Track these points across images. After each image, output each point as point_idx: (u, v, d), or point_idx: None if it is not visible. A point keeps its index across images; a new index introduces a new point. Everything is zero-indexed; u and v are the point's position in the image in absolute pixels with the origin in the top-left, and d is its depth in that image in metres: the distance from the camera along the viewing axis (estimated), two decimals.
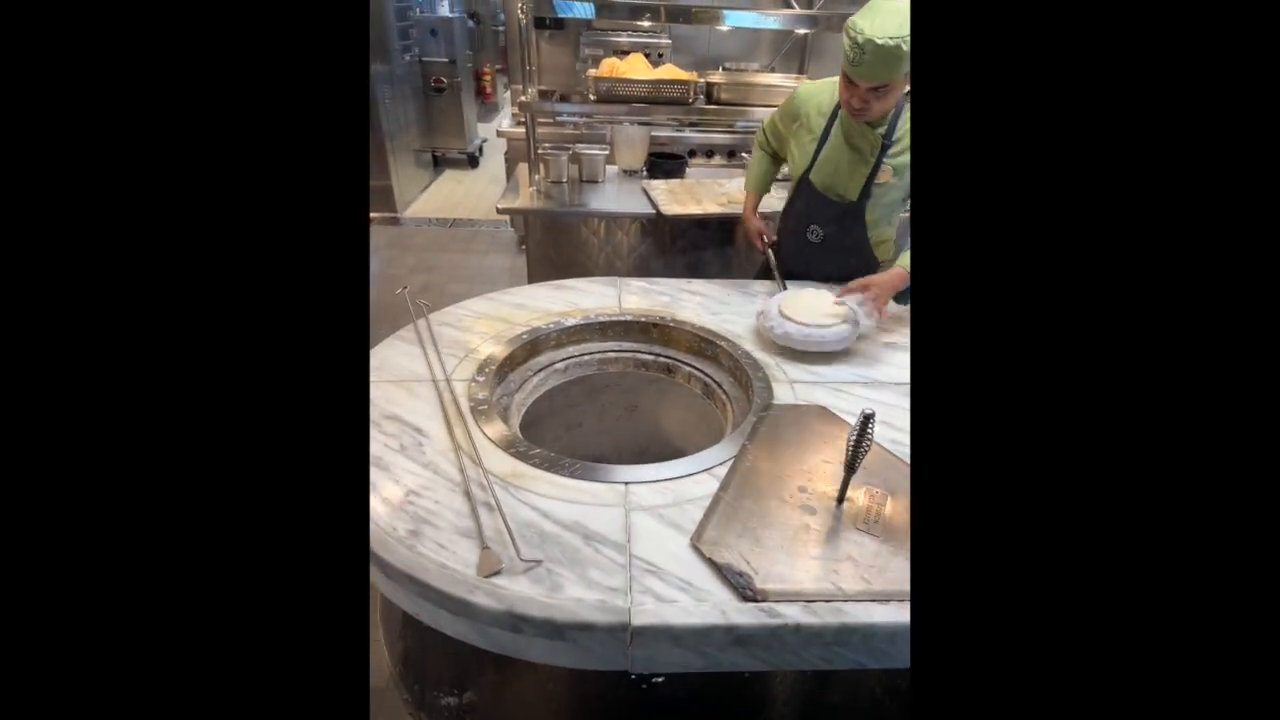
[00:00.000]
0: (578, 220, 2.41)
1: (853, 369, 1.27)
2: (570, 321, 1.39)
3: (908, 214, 1.62)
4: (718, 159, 3.21)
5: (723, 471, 0.97)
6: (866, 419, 0.83)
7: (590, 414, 1.47)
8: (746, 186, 1.77)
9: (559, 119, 3.21)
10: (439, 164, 5.78)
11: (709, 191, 2.41)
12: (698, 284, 1.60)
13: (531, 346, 1.34)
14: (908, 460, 1.00)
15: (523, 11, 2.30)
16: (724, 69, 3.56)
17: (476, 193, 5.35)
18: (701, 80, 2.84)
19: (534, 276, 2.51)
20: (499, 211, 2.37)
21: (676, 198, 2.33)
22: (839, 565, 0.82)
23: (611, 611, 0.74)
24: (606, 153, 2.56)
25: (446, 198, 5.24)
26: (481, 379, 1.17)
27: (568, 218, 2.39)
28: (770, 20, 2.92)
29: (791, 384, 1.21)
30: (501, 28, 6.65)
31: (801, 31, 3.53)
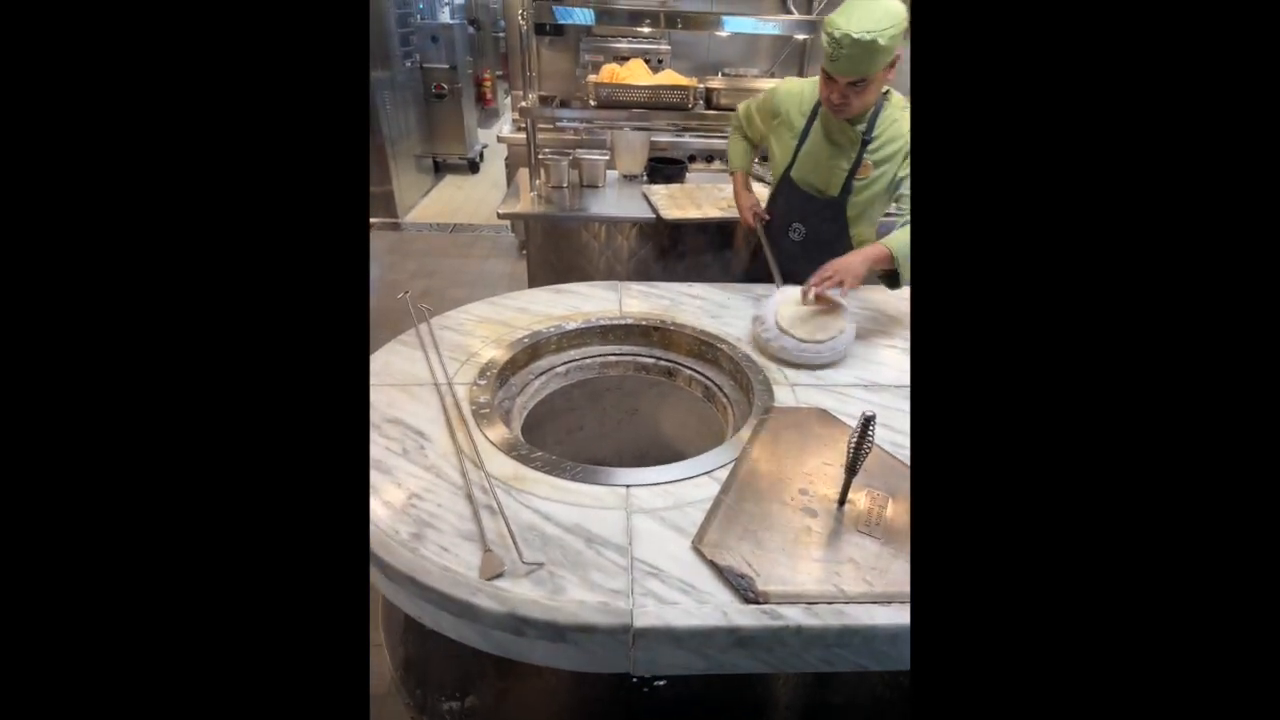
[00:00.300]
0: (578, 225, 2.42)
1: (853, 372, 1.28)
2: (571, 325, 1.40)
3: (889, 215, 1.62)
4: (717, 164, 3.22)
5: (724, 474, 0.98)
6: (867, 421, 0.84)
7: (591, 417, 1.47)
8: (731, 167, 1.77)
9: (559, 124, 3.22)
10: (440, 169, 5.80)
11: (709, 196, 2.42)
12: (698, 287, 1.60)
13: (533, 350, 1.34)
14: (908, 462, 1.00)
15: (523, 18, 2.32)
16: (723, 74, 3.57)
17: (477, 198, 5.37)
18: (701, 85, 2.85)
19: (535, 281, 2.51)
20: (500, 216, 2.38)
21: (676, 202, 2.34)
22: (840, 567, 0.82)
23: (613, 613, 0.74)
24: (607, 158, 2.58)
25: (447, 203, 5.25)
26: (483, 383, 1.18)
27: (568, 222, 2.40)
28: (769, 26, 2.94)
29: (792, 387, 1.21)
30: (502, 34, 6.68)
31: (800, 37, 3.54)
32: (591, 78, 3.01)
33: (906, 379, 1.25)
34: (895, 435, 1.07)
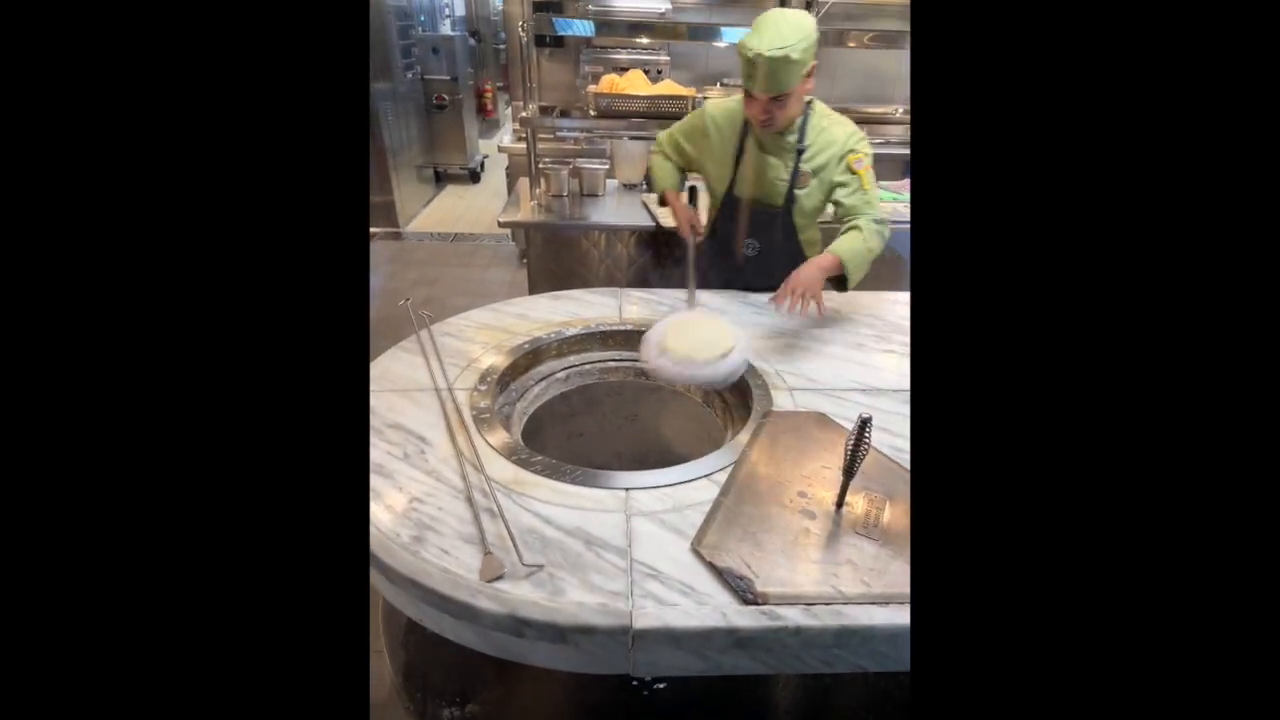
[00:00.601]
0: (578, 233, 2.44)
1: (851, 376, 1.28)
2: (571, 331, 1.41)
3: (827, 222, 1.63)
4: None
5: (722, 477, 0.98)
6: (864, 423, 0.84)
7: (591, 423, 1.48)
8: (661, 186, 1.70)
9: (559, 134, 3.25)
10: (441, 179, 5.84)
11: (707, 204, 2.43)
12: (697, 294, 1.61)
13: (533, 356, 1.35)
14: (906, 466, 1.01)
15: (524, 30, 2.35)
16: (722, 84, 3.61)
17: (478, 207, 5.40)
18: (700, 96, 2.88)
19: (535, 289, 2.53)
20: (500, 225, 2.40)
21: None
22: (839, 569, 0.82)
23: (613, 614, 0.74)
24: (606, 167, 2.60)
25: (448, 212, 5.29)
26: (483, 388, 1.19)
27: (568, 230, 2.41)
28: None
29: (790, 391, 1.22)
30: (502, 46, 6.75)
31: None
32: (591, 88, 3.04)
33: (904, 383, 1.26)
34: (893, 439, 1.08)
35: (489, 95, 6.79)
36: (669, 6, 3.32)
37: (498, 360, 1.28)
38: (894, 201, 2.62)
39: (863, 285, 1.81)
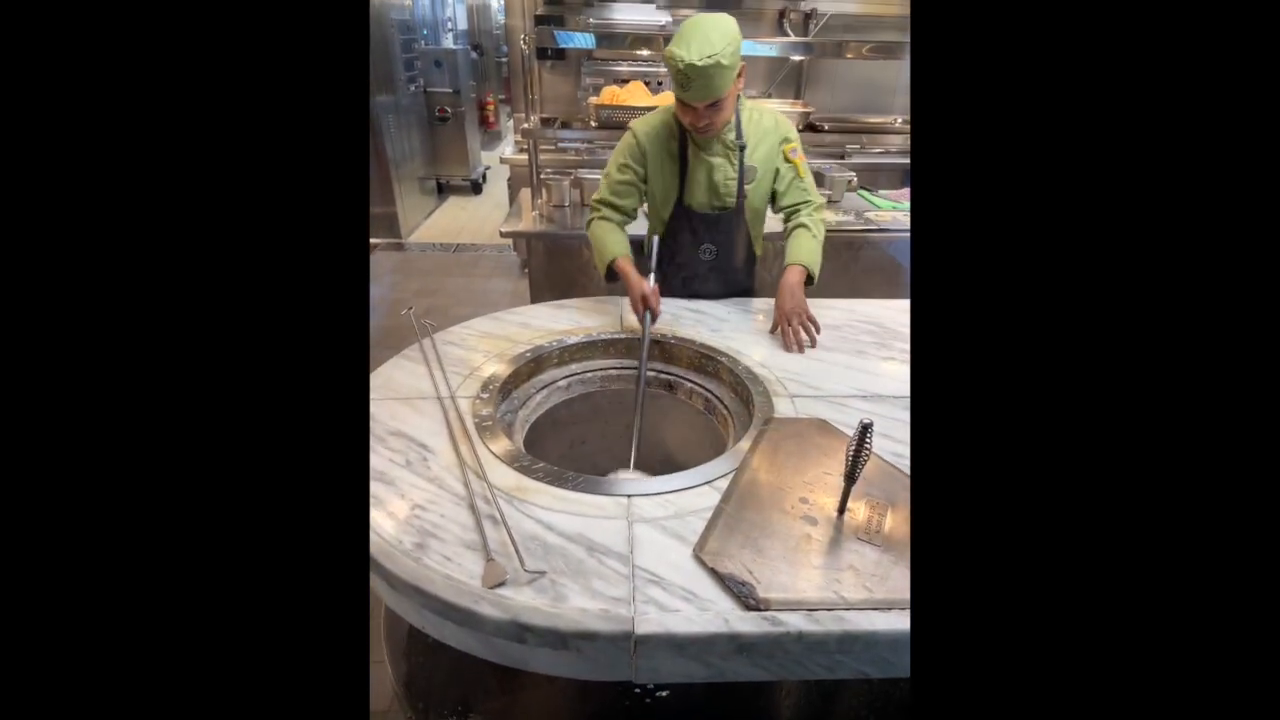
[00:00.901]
0: (579, 243, 2.45)
1: (852, 383, 1.29)
2: (573, 340, 1.42)
3: (779, 214, 1.65)
4: None
5: (724, 484, 0.98)
6: (865, 429, 0.85)
7: (593, 431, 1.48)
8: (610, 255, 1.48)
9: (561, 145, 3.28)
10: (443, 190, 5.89)
11: None
12: (697, 303, 1.62)
13: (535, 364, 1.36)
14: (907, 471, 1.01)
15: (525, 43, 2.38)
16: None
17: (480, 218, 5.43)
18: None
19: (536, 298, 2.54)
20: (502, 235, 2.42)
21: None
22: (841, 574, 0.82)
23: (615, 620, 0.74)
24: None
25: (450, 223, 5.32)
26: (485, 396, 1.19)
27: (570, 240, 2.43)
28: (766, 48, 3.01)
29: (792, 398, 1.23)
30: (504, 59, 6.82)
31: (796, 58, 3.62)
32: (592, 100, 3.07)
33: (904, 390, 1.26)
34: (894, 445, 1.08)
35: (491, 107, 6.86)
36: (669, 19, 3.36)
37: (500, 369, 1.29)
38: (894, 210, 2.63)
39: (863, 293, 1.82)
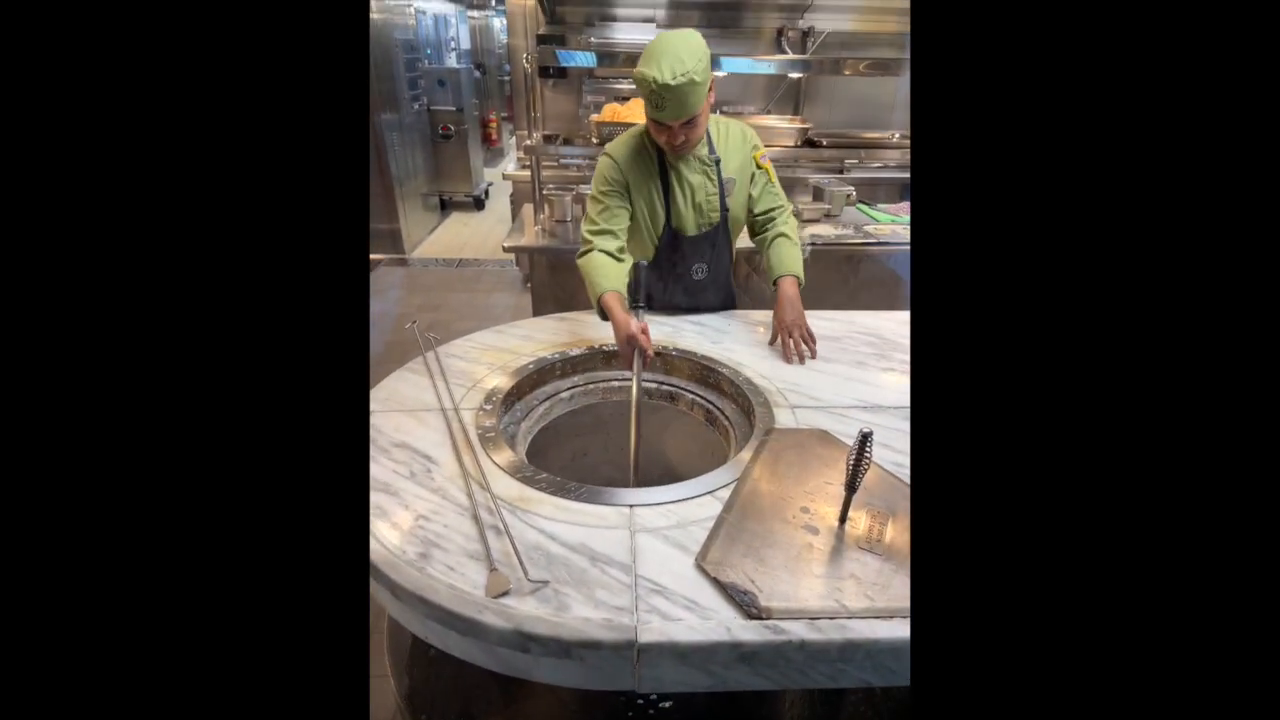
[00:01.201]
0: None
1: (852, 394, 1.30)
2: (575, 351, 1.43)
3: (755, 219, 1.66)
4: None
5: (726, 494, 0.99)
6: (865, 438, 0.85)
7: (595, 443, 1.49)
8: (604, 289, 1.40)
9: (563, 161, 3.32)
10: (446, 207, 5.94)
11: None
12: (698, 315, 1.64)
13: (537, 376, 1.37)
14: (908, 481, 1.02)
15: (528, 62, 2.42)
16: (722, 112, 3.68)
17: (483, 233, 5.48)
18: None
19: (539, 312, 2.55)
20: (505, 250, 2.44)
21: None
22: (842, 583, 0.83)
23: (618, 629, 0.75)
24: None
25: (453, 239, 5.36)
26: (489, 407, 1.20)
27: (572, 254, 2.43)
28: (765, 65, 3.06)
29: (793, 409, 1.23)
30: (507, 77, 6.92)
31: (795, 75, 3.67)
32: (594, 117, 3.12)
33: (905, 400, 1.27)
34: (895, 455, 1.08)
35: (493, 125, 6.95)
36: None
37: (502, 381, 1.30)
38: (893, 224, 2.65)
39: (863, 305, 1.84)
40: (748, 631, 0.75)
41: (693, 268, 1.62)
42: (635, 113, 3.00)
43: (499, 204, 6.22)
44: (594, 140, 2.96)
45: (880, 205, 2.91)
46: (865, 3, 3.49)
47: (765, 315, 1.66)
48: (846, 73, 3.25)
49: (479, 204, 6.08)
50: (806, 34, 3.62)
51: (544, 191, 2.58)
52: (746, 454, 1.09)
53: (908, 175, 3.22)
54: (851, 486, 0.90)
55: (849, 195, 2.79)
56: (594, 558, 0.86)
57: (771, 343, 1.48)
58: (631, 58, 2.95)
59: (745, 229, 1.70)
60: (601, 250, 1.47)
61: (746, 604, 0.78)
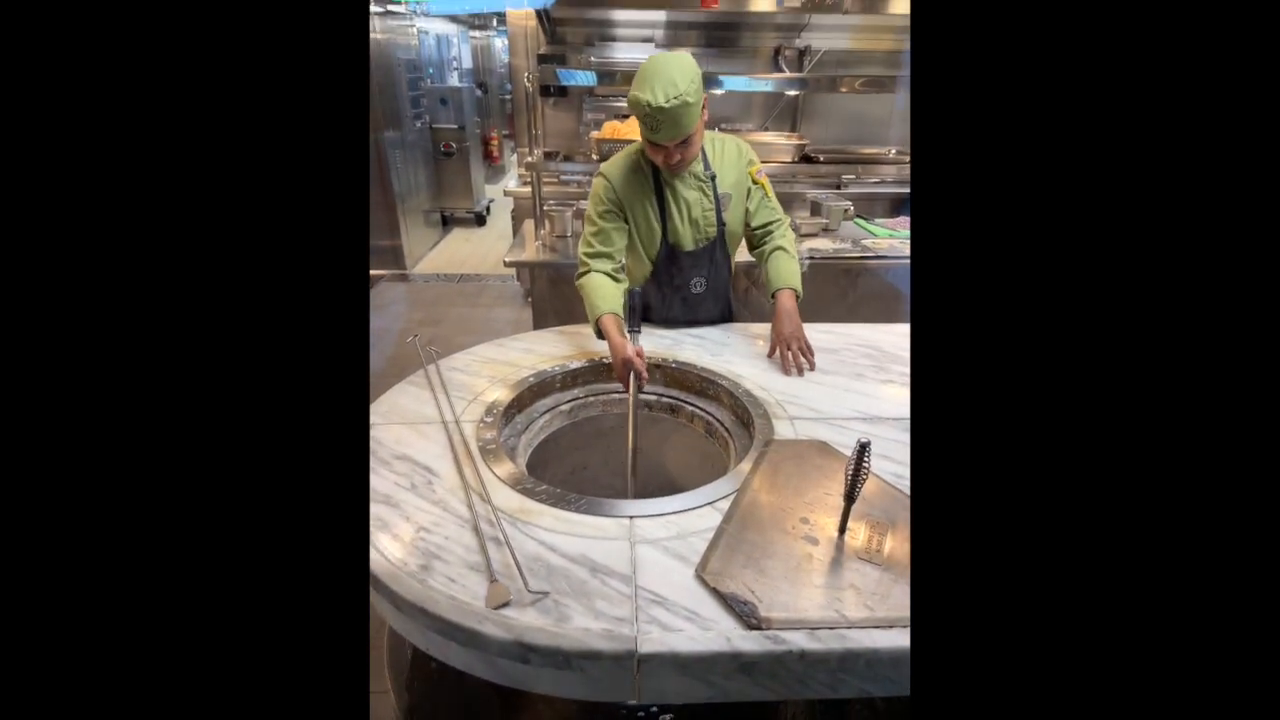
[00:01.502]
0: None
1: (851, 405, 1.30)
2: (575, 364, 1.44)
3: (753, 233, 1.68)
4: None
5: (726, 505, 0.99)
6: (863, 448, 0.86)
7: (595, 456, 1.49)
8: (601, 311, 1.43)
9: (563, 178, 3.35)
10: (447, 223, 6.00)
11: None
12: (698, 328, 1.65)
13: (537, 389, 1.38)
14: (907, 492, 1.02)
15: (529, 81, 2.46)
16: (720, 129, 3.73)
17: (484, 249, 5.52)
18: None
19: (539, 326, 2.57)
20: (506, 264, 2.47)
21: None
22: (842, 593, 0.83)
23: (618, 640, 0.75)
24: None
25: (454, 254, 5.40)
26: (489, 420, 1.21)
27: (572, 269, 2.46)
28: (763, 84, 3.11)
29: (792, 420, 1.24)
30: (508, 96, 7.01)
31: (792, 93, 3.72)
32: (594, 134, 3.16)
33: (903, 412, 1.28)
34: (894, 466, 1.09)
35: (495, 142, 7.03)
36: None
37: (503, 394, 1.31)
38: (890, 238, 2.68)
39: (861, 318, 1.85)
40: (748, 642, 0.76)
41: (691, 281, 1.64)
42: (635, 130, 3.01)
43: (500, 220, 6.27)
44: (594, 157, 3.00)
45: (878, 220, 2.94)
46: (860, 22, 3.55)
47: (764, 328, 1.67)
48: (842, 90, 3.30)
49: (480, 220, 6.13)
50: (803, 53, 3.68)
51: (545, 207, 2.61)
52: (746, 465, 1.10)
53: (904, 190, 3.25)
54: (850, 497, 0.90)
55: (847, 210, 2.82)
56: (594, 569, 0.86)
57: (770, 355, 1.49)
58: (631, 76, 3.00)
59: (744, 243, 1.72)
60: (598, 271, 1.51)
61: (746, 614, 0.79)
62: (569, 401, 1.42)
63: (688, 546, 0.91)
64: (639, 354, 1.32)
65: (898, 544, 0.91)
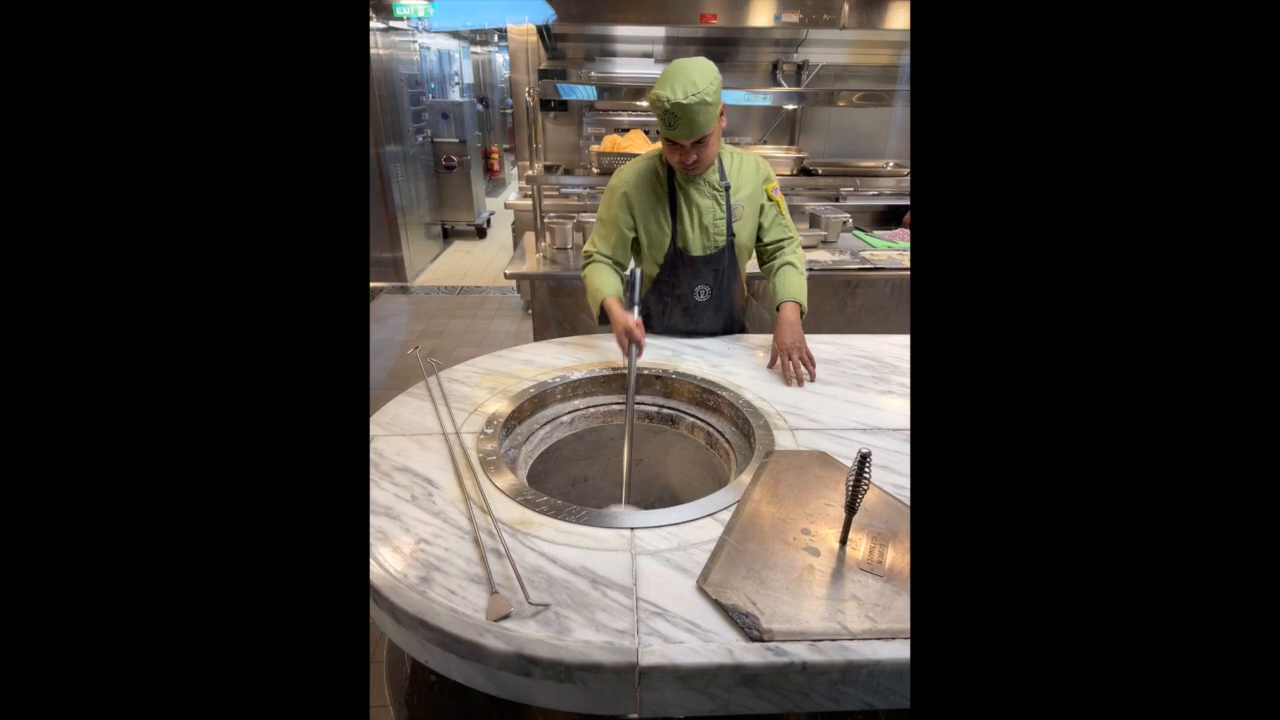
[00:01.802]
0: (582, 284, 2.50)
1: (852, 416, 1.30)
2: (576, 376, 1.44)
3: (764, 249, 1.69)
4: None
5: (726, 516, 0.99)
6: (863, 458, 0.86)
7: (596, 467, 1.49)
8: (598, 298, 1.52)
9: (564, 191, 3.38)
10: (448, 235, 6.03)
11: None
12: (698, 339, 1.65)
13: (538, 400, 1.38)
14: (908, 503, 1.02)
15: (530, 95, 2.48)
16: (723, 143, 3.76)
17: (485, 261, 5.54)
18: None
19: (540, 338, 2.58)
20: (507, 276, 2.48)
21: None
22: (843, 605, 0.82)
23: (619, 652, 0.74)
24: None
25: (455, 266, 5.42)
26: (490, 431, 1.21)
27: (572, 281, 2.48)
28: (762, 98, 3.14)
29: (793, 431, 1.24)
30: (509, 110, 7.07)
31: (790, 107, 3.76)
32: (594, 148, 3.18)
33: (902, 422, 1.28)
34: (895, 477, 1.09)
35: (495, 156, 7.08)
36: None
37: (503, 405, 1.31)
38: (889, 249, 2.69)
39: (861, 329, 1.86)
40: (749, 654, 0.75)
41: (695, 289, 1.65)
42: (635, 144, 3.06)
43: (501, 232, 6.30)
44: (594, 170, 3.03)
45: (876, 231, 2.95)
46: (857, 37, 3.59)
47: (765, 339, 1.67)
48: (840, 104, 3.33)
49: (481, 233, 6.16)
50: (801, 67, 3.72)
51: (545, 220, 2.62)
52: (747, 476, 1.10)
53: (902, 202, 3.27)
54: (851, 508, 0.90)
55: (845, 222, 2.84)
56: (595, 580, 0.86)
57: (771, 365, 1.50)
58: (631, 91, 3.04)
59: (754, 257, 1.73)
60: (602, 261, 1.61)
61: (748, 626, 0.78)
62: (569, 413, 1.42)
63: (689, 558, 0.90)
64: (638, 325, 1.42)
65: (899, 555, 0.91)
